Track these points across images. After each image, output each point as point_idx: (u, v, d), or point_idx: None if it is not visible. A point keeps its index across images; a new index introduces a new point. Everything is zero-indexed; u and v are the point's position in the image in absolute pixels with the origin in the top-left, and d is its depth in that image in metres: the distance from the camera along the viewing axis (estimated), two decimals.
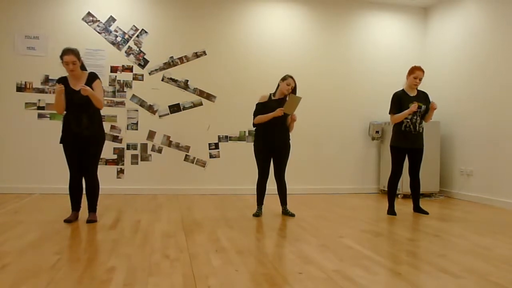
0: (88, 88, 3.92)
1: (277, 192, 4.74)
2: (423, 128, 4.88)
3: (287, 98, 4.48)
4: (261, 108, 4.59)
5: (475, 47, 6.15)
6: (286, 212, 4.72)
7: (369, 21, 7.01)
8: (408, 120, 4.78)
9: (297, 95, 4.53)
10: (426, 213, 4.95)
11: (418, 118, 4.81)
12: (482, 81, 6.01)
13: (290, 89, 4.54)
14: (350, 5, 6.91)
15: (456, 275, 2.71)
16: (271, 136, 4.60)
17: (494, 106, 5.79)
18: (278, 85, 4.64)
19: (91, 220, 4.10)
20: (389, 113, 4.91)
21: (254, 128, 4.73)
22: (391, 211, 4.91)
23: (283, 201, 4.76)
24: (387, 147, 6.64)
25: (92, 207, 4.19)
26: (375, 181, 6.98)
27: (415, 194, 5.06)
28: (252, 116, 4.66)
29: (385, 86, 6.63)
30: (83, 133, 4.01)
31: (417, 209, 5.04)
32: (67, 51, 4.01)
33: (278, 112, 4.43)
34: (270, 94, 4.68)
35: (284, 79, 4.58)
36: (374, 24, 7.03)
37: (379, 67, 6.98)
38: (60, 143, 4.09)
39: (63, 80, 4.10)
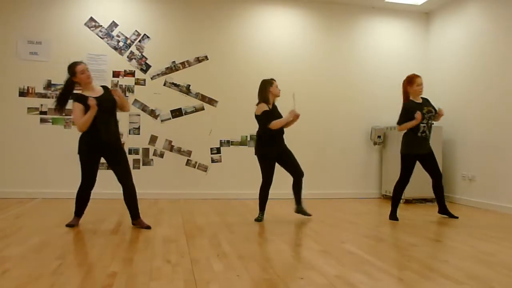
0: (118, 89, 3.95)
1: (292, 191, 4.69)
2: None
3: (294, 99, 4.49)
4: (271, 114, 4.54)
5: (477, 52, 6.14)
6: (301, 211, 4.69)
7: (370, 26, 7.02)
8: (425, 125, 4.75)
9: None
10: (456, 217, 4.89)
11: (431, 121, 4.82)
12: (484, 86, 6.00)
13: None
14: (351, 10, 6.93)
15: (459, 281, 2.70)
16: (278, 142, 4.63)
17: (497, 111, 5.78)
18: (266, 93, 4.58)
19: (147, 227, 4.03)
20: (397, 124, 4.84)
21: (258, 134, 4.67)
22: (393, 216, 4.89)
23: (299, 200, 4.70)
24: (389, 152, 6.66)
25: (137, 214, 4.10)
26: (377, 186, 6.97)
27: (441, 196, 4.89)
28: (260, 123, 4.59)
29: (387, 91, 6.65)
30: (110, 139, 3.96)
31: (444, 211, 4.91)
32: (78, 62, 3.95)
33: (296, 115, 4.51)
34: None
35: (271, 84, 4.60)
36: (376, 29, 7.04)
37: (381, 72, 6.99)
38: (82, 153, 3.91)
39: (82, 97, 3.83)
